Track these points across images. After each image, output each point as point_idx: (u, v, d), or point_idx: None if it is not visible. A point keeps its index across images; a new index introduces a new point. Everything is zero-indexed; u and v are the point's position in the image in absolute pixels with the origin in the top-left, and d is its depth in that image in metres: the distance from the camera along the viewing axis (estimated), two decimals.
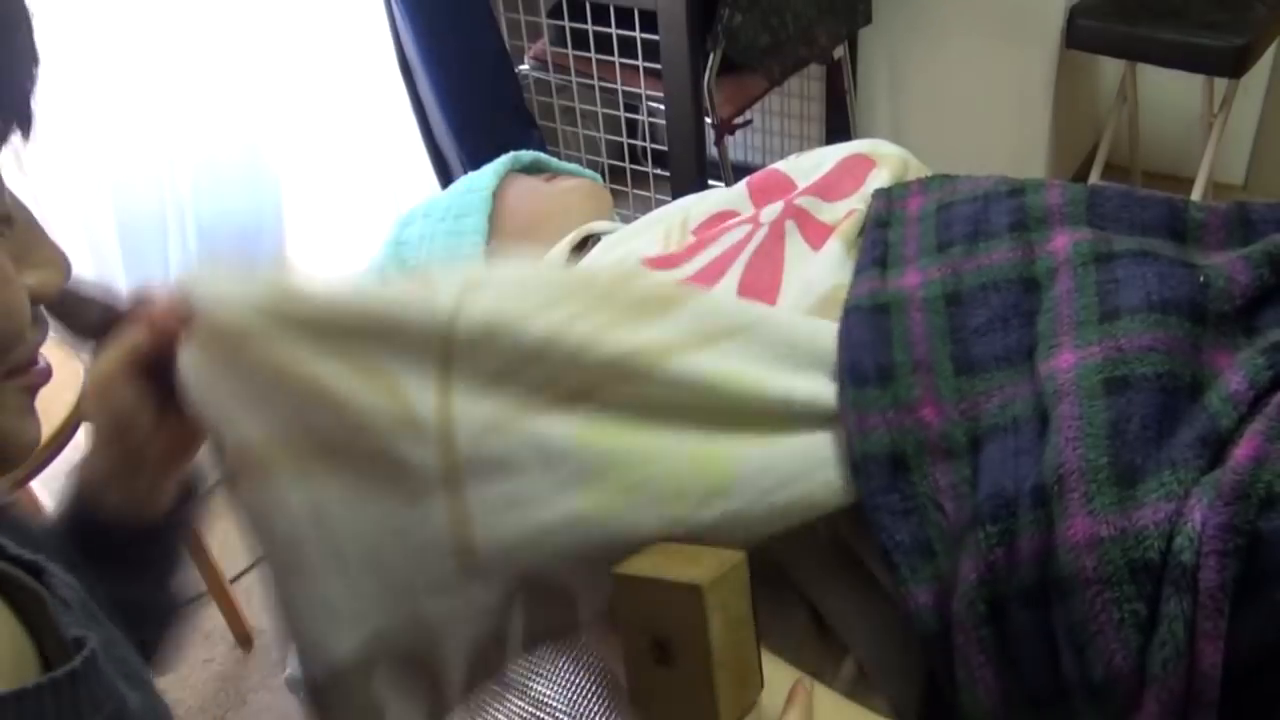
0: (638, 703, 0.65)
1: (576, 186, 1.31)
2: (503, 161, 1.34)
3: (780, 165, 1.12)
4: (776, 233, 0.98)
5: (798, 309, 0.89)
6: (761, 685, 0.66)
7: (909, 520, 0.74)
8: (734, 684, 0.63)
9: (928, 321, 0.83)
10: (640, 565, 0.66)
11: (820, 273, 0.92)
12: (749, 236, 0.98)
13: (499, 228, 1.26)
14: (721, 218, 1.07)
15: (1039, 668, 0.68)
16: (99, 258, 1.78)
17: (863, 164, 1.06)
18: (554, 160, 1.40)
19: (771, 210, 1.01)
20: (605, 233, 1.18)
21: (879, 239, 0.94)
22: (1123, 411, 0.69)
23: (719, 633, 0.61)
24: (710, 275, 0.96)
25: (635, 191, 2.46)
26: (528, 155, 1.38)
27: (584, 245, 1.18)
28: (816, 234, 0.98)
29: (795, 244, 0.97)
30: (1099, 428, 0.69)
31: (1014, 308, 0.82)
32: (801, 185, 1.06)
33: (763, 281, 0.93)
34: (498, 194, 1.28)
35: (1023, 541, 0.68)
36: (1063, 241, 0.84)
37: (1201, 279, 0.78)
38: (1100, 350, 0.73)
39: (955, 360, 0.80)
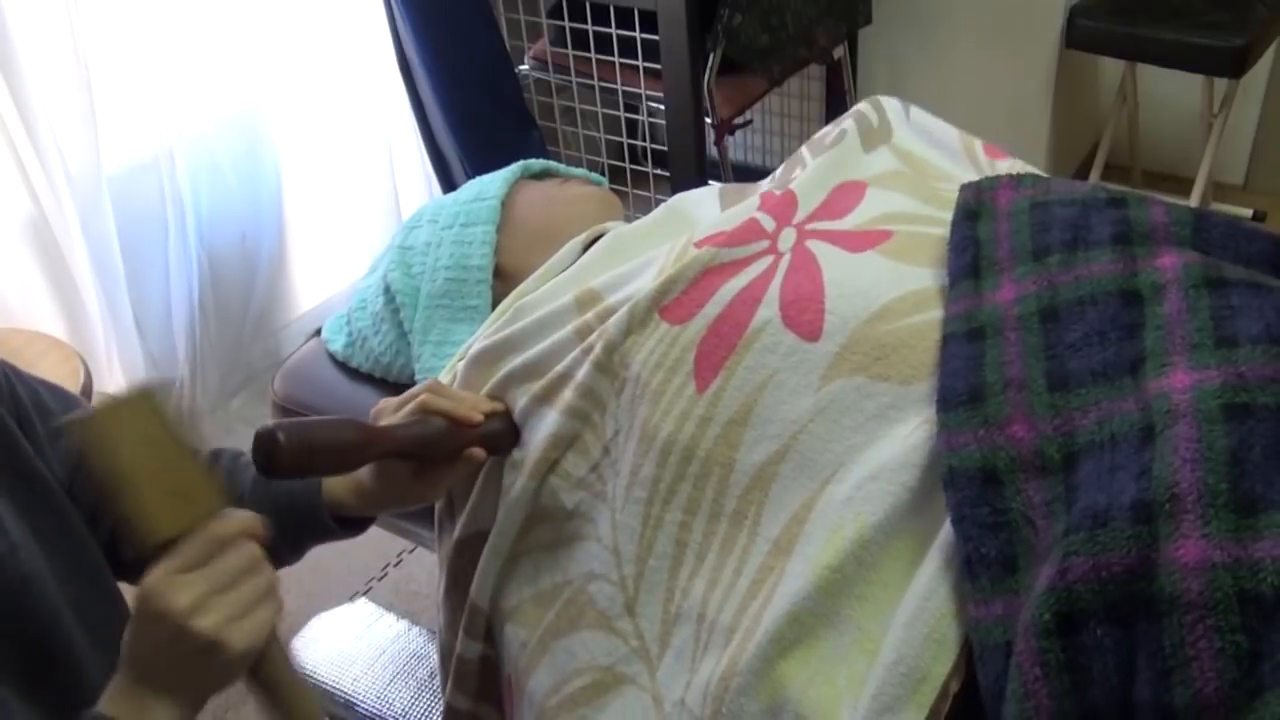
0: (127, 527, 0.71)
1: (589, 194, 1.31)
2: (513, 169, 1.33)
3: (792, 188, 1.09)
4: (802, 255, 0.96)
5: (854, 317, 0.87)
6: (213, 509, 0.71)
7: (998, 535, 0.73)
8: (163, 498, 0.69)
9: (1022, 340, 0.82)
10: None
11: (870, 280, 0.90)
12: (774, 266, 0.95)
13: (508, 235, 1.26)
14: (729, 236, 1.03)
15: (1106, 688, 0.66)
16: (99, 257, 1.78)
17: (855, 189, 1.05)
18: (564, 167, 1.40)
19: (787, 237, 0.99)
20: None
21: (969, 235, 0.92)
22: (1244, 439, 0.68)
23: (128, 450, 0.68)
24: (741, 309, 0.93)
25: (635, 191, 2.46)
26: (538, 164, 1.37)
27: (593, 245, 1.17)
28: (846, 241, 0.96)
29: (826, 250, 0.95)
30: (1219, 453, 0.67)
31: (1112, 321, 0.80)
32: (803, 207, 1.04)
33: (804, 289, 0.91)
34: (507, 202, 1.28)
35: (1114, 556, 0.66)
36: (1170, 260, 0.83)
37: None
38: (1219, 374, 0.72)
39: (1049, 376, 0.79)
